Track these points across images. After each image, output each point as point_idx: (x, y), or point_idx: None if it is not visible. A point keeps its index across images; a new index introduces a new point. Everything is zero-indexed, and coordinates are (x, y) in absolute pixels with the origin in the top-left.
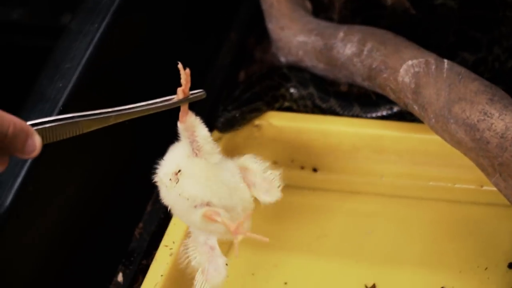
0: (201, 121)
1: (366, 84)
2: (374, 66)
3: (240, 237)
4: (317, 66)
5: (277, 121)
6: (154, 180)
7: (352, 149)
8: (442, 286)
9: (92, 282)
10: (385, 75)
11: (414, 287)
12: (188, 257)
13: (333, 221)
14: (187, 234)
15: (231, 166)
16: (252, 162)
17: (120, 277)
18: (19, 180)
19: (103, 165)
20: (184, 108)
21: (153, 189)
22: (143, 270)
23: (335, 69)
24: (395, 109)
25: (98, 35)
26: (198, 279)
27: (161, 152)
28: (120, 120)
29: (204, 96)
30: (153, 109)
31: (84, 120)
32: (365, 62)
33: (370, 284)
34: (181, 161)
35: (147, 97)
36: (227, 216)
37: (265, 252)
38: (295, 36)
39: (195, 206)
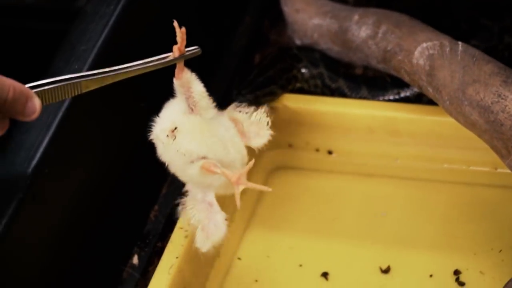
0: (196, 77)
1: (381, 66)
2: (388, 48)
3: (241, 188)
4: (332, 48)
5: (292, 103)
6: (149, 138)
7: (367, 132)
8: (456, 268)
9: (108, 264)
10: (399, 57)
11: (428, 269)
12: (186, 215)
13: (348, 204)
14: (184, 193)
15: (225, 120)
16: (237, 113)
17: (135, 259)
18: (34, 162)
19: (119, 147)
20: (180, 65)
21: (169, 172)
22: (159, 253)
23: (350, 51)
24: (402, 94)
25: (113, 17)
26: (199, 236)
27: None
28: (118, 79)
29: (199, 53)
30: (149, 67)
31: (82, 80)
32: (380, 45)
33: (384, 266)
34: (177, 118)
35: (161, 79)
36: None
37: (280, 234)
38: (310, 19)
39: (192, 161)
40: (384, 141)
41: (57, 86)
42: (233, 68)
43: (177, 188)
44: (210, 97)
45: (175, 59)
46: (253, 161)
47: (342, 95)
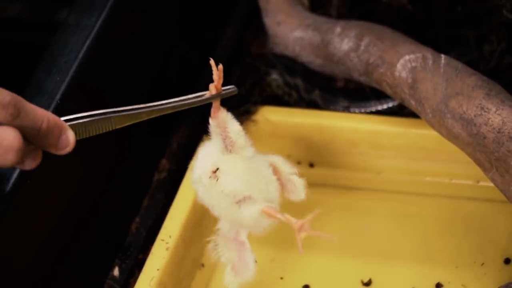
0: (232, 116)
1: (363, 79)
2: (371, 61)
3: (304, 235)
4: (314, 61)
5: (273, 116)
6: (191, 183)
7: (349, 145)
8: (438, 281)
9: (88, 276)
10: (382, 70)
11: (411, 282)
12: (217, 253)
13: (330, 217)
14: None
15: (263, 159)
16: (282, 163)
17: (116, 271)
18: (16, 173)
19: (101, 159)
20: (216, 104)
21: (150, 184)
22: (140, 265)
23: (332, 64)
24: (385, 105)
25: (95, 29)
26: (227, 274)
27: (158, 148)
28: (152, 116)
29: (236, 92)
30: (185, 105)
31: (117, 115)
32: (362, 57)
33: (366, 279)
34: (216, 159)
35: (144, 91)
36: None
37: (261, 247)
38: (292, 32)
39: (237, 202)
40: (367, 154)
41: (91, 120)
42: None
43: (158, 200)
44: (247, 137)
45: (212, 97)
46: (319, 210)
47: (317, 106)
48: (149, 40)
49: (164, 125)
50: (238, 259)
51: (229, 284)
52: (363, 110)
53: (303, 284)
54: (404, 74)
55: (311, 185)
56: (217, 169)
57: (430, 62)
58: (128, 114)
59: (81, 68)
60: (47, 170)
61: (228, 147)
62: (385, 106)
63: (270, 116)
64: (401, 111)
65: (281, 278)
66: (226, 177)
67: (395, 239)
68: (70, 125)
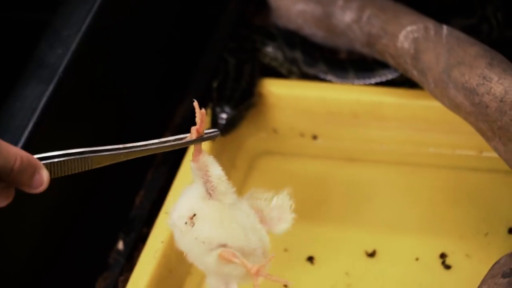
0: (215, 160)
1: (365, 50)
2: (373, 32)
3: (261, 280)
4: (317, 34)
5: (276, 89)
6: (169, 224)
7: (352, 116)
8: (442, 251)
9: (93, 250)
10: (384, 41)
11: (414, 252)
12: None
13: (333, 189)
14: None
15: (245, 206)
16: (255, 201)
17: (120, 245)
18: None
19: (104, 132)
20: (197, 147)
21: (154, 157)
22: (144, 238)
23: (334, 36)
24: (373, 80)
25: (97, 2)
26: None
27: (162, 121)
28: (131, 157)
29: (218, 136)
30: (165, 147)
31: (94, 156)
32: (364, 29)
33: (370, 250)
34: (195, 204)
35: (148, 64)
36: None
37: None
38: (294, 4)
39: (211, 249)
40: (369, 126)
41: (67, 160)
42: (217, 53)
43: (162, 173)
44: (229, 182)
45: (193, 141)
46: (273, 254)
47: (317, 79)
48: (152, 14)
49: (168, 98)
50: None
51: None
52: (366, 82)
53: (307, 255)
54: (406, 45)
55: (315, 157)
56: (194, 215)
57: (432, 32)
58: (106, 155)
59: (84, 41)
60: (50, 143)
61: (209, 191)
62: (390, 76)
63: (273, 88)
64: (403, 82)
65: (285, 250)
66: (202, 224)
67: (399, 210)
68: (44, 164)
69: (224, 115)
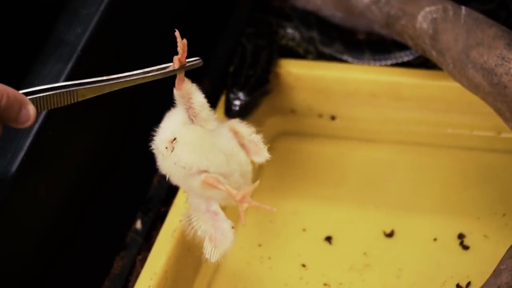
0: (198, 88)
1: (384, 31)
2: (392, 13)
3: (245, 206)
4: (336, 15)
5: (294, 69)
6: (151, 148)
7: (370, 97)
8: (460, 232)
9: (111, 229)
10: (403, 22)
11: (432, 233)
12: (193, 228)
13: (351, 169)
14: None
15: (227, 131)
16: (240, 126)
17: (138, 224)
18: (37, 125)
19: (122, 112)
20: (180, 75)
21: None
22: (162, 217)
23: (353, 17)
24: (388, 61)
25: None
26: (207, 247)
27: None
28: (115, 89)
29: (200, 64)
30: (148, 77)
31: (79, 88)
32: (383, 10)
33: (388, 230)
34: (176, 129)
35: (165, 42)
36: (226, 183)
37: (283, 199)
38: None
39: (192, 175)
40: (387, 106)
41: (52, 94)
42: (237, 32)
43: None
44: (211, 108)
45: (176, 70)
46: (258, 182)
47: (335, 59)
48: None
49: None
50: (214, 230)
51: (210, 257)
52: (382, 63)
53: (325, 235)
54: (425, 26)
55: (333, 137)
56: (175, 139)
57: (451, 13)
58: (90, 87)
59: (102, 20)
60: (68, 122)
61: (191, 117)
62: (406, 58)
63: (292, 69)
64: (422, 63)
65: (304, 230)
66: (181, 149)
67: (417, 190)
68: (30, 99)
69: (237, 102)
